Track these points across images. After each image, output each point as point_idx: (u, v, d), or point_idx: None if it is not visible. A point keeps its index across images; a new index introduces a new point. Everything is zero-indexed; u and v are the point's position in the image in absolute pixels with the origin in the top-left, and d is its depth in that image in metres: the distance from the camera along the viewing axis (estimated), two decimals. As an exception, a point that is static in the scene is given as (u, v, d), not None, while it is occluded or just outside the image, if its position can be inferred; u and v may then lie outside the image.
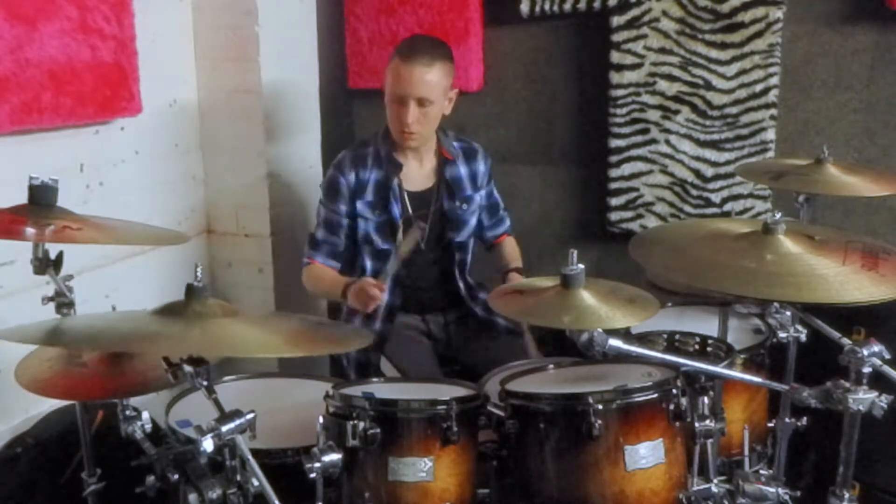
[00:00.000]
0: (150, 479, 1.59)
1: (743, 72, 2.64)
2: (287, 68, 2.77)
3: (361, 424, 1.48)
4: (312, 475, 1.43)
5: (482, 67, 2.97)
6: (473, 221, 2.43)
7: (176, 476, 1.55)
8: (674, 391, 1.54)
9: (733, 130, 2.70)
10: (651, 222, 2.84)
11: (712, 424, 1.56)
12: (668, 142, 2.77)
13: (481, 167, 2.42)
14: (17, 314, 1.43)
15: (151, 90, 2.43)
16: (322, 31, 2.94)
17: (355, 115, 3.21)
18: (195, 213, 2.80)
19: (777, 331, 1.82)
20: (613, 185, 2.86)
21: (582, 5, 2.77)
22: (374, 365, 2.30)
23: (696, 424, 1.56)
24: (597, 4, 2.75)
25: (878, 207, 2.66)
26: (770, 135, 2.67)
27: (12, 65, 1.98)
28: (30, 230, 1.54)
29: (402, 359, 2.24)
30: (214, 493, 1.38)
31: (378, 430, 1.48)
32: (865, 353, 1.37)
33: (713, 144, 2.73)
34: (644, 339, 1.87)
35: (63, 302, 1.67)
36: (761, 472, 1.89)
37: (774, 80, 2.63)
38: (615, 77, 2.77)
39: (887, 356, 1.39)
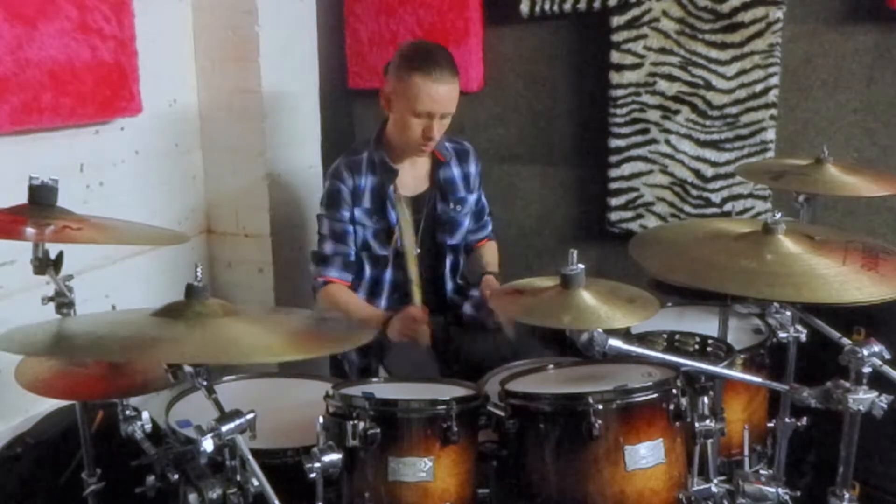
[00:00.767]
0: (150, 479, 1.59)
1: (743, 72, 2.64)
2: (287, 68, 2.77)
3: (361, 424, 1.48)
4: (312, 475, 1.43)
5: (482, 67, 2.97)
6: (466, 223, 2.42)
7: (176, 476, 1.55)
8: (674, 391, 1.54)
9: (733, 130, 2.70)
10: (651, 222, 2.84)
11: (712, 424, 1.56)
12: (668, 142, 2.77)
13: (473, 168, 2.41)
14: (17, 314, 1.43)
15: (151, 90, 2.43)
16: (322, 31, 2.94)
17: (355, 115, 3.21)
18: (195, 213, 2.80)
19: (777, 331, 1.83)
20: (613, 185, 2.86)
21: (582, 5, 2.77)
22: (376, 370, 2.29)
23: (696, 424, 1.56)
24: (597, 4, 2.75)
25: (878, 207, 2.66)
26: (770, 135, 2.67)
27: (12, 65, 1.98)
28: (30, 230, 1.54)
29: (402, 367, 2.20)
30: (214, 493, 1.38)
31: (378, 430, 1.48)
32: (865, 353, 1.37)
33: (713, 144, 2.73)
34: (644, 339, 1.87)
35: (63, 302, 1.67)
36: (761, 472, 1.89)
37: (774, 80, 2.63)
38: (615, 77, 2.77)
39: (887, 356, 1.39)
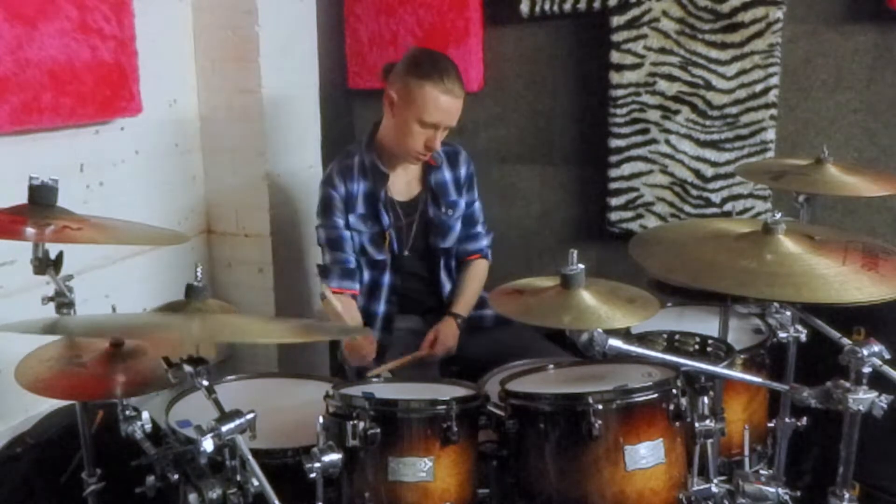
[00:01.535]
0: (150, 479, 1.59)
1: (743, 72, 2.64)
2: (287, 68, 2.77)
3: (361, 424, 1.48)
4: (312, 475, 1.43)
5: (482, 67, 2.97)
6: (458, 227, 2.40)
7: (176, 476, 1.55)
8: (674, 391, 1.54)
9: (733, 130, 2.70)
10: (651, 222, 2.84)
11: (712, 424, 1.56)
12: (668, 142, 2.77)
13: (463, 170, 2.38)
14: (17, 314, 1.42)
15: (151, 90, 2.43)
16: (322, 31, 2.94)
17: (355, 115, 3.21)
18: (195, 213, 2.80)
19: (777, 331, 1.83)
20: (613, 185, 2.86)
21: (582, 5, 2.77)
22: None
23: (696, 424, 1.56)
24: (597, 4, 2.75)
25: (878, 207, 2.66)
26: (770, 135, 2.67)
27: (12, 65, 1.98)
28: (30, 230, 1.54)
29: (403, 372, 2.19)
30: (214, 493, 1.38)
31: (378, 430, 1.48)
32: (865, 353, 1.36)
33: (713, 144, 2.73)
34: (644, 339, 1.87)
35: (63, 302, 1.67)
36: (761, 472, 1.89)
37: (774, 80, 2.63)
38: (615, 77, 2.77)
39: (887, 356, 1.39)
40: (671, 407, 1.53)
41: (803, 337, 1.79)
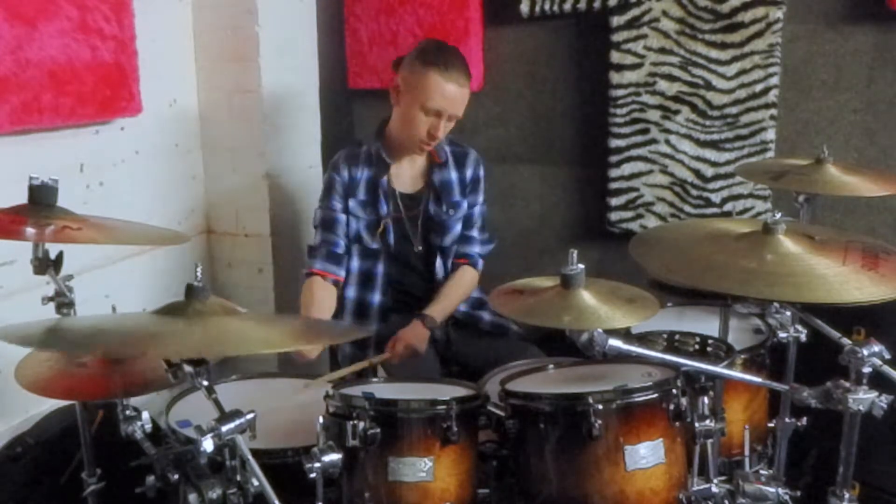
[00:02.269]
0: (150, 479, 1.59)
1: (743, 72, 2.64)
2: (287, 68, 2.77)
3: (361, 424, 1.48)
4: (312, 475, 1.43)
5: (482, 67, 2.97)
6: (459, 227, 2.39)
7: (176, 476, 1.55)
8: (674, 391, 1.54)
9: (733, 130, 2.70)
10: (651, 222, 2.84)
11: (712, 424, 1.56)
12: (668, 142, 2.77)
13: (470, 172, 2.38)
14: (17, 314, 1.42)
15: (151, 90, 2.43)
16: (322, 31, 2.94)
17: (355, 115, 3.21)
18: (195, 213, 2.80)
19: (777, 331, 1.82)
20: (613, 185, 2.86)
21: (582, 5, 2.77)
22: (375, 370, 2.28)
23: (696, 424, 1.56)
24: (597, 4, 2.75)
25: (878, 207, 2.66)
26: (770, 135, 2.67)
27: (12, 65, 1.98)
28: (30, 230, 1.54)
29: (402, 367, 2.17)
30: (214, 493, 1.38)
31: (378, 430, 1.48)
32: (865, 353, 1.36)
33: (713, 144, 2.73)
34: (644, 339, 1.87)
35: (63, 302, 1.67)
36: (761, 472, 1.89)
37: (774, 80, 2.63)
38: (615, 77, 2.77)
39: (887, 356, 1.38)
40: (671, 407, 1.53)
41: (803, 337, 1.79)
